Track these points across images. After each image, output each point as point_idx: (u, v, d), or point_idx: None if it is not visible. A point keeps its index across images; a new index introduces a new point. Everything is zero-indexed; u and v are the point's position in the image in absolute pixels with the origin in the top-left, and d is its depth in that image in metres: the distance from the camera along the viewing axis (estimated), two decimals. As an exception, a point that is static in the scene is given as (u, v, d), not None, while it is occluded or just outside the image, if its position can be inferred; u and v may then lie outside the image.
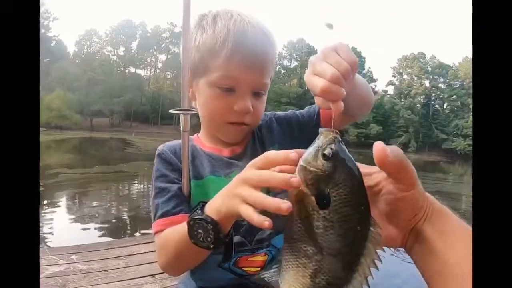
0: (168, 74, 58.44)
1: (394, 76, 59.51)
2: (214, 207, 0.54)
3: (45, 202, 6.29)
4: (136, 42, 56.82)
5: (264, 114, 0.83)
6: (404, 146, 45.89)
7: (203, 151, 0.80)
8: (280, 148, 0.46)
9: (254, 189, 0.46)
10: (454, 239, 0.42)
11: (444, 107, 55.76)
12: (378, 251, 0.40)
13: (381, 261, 0.40)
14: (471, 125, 0.46)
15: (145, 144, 24.07)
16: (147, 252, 2.74)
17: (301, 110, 0.86)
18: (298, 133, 0.82)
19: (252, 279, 0.75)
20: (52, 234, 4.68)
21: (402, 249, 0.47)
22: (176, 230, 0.63)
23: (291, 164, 0.43)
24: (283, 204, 0.40)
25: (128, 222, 5.87)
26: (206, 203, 0.57)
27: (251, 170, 0.47)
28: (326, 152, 0.40)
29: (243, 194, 0.47)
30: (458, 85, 53.24)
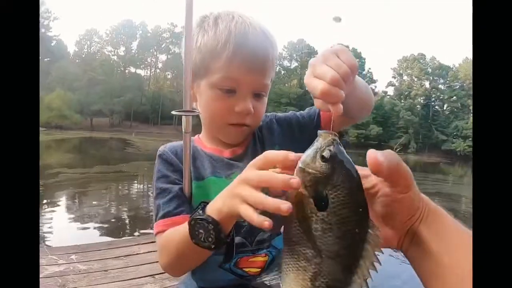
0: (168, 74, 58.50)
1: (394, 77, 59.63)
2: (215, 207, 0.54)
3: (45, 201, 6.30)
4: (137, 42, 56.81)
5: (265, 115, 0.84)
6: (404, 147, 45.92)
7: (204, 152, 0.80)
8: (281, 149, 0.46)
9: (254, 189, 0.46)
10: (450, 240, 0.42)
11: (444, 108, 55.77)
12: (376, 253, 0.40)
13: (380, 263, 0.39)
14: (471, 127, 0.46)
15: (145, 144, 24.06)
16: (147, 252, 2.73)
17: (301, 112, 0.86)
18: (298, 134, 0.82)
19: (253, 283, 0.75)
20: (52, 233, 4.68)
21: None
22: (177, 231, 0.63)
23: (290, 164, 0.43)
24: (283, 205, 0.40)
25: (127, 222, 5.87)
26: (207, 203, 0.57)
27: (251, 170, 0.47)
28: (324, 154, 0.40)
29: (243, 194, 0.47)
30: (458, 86, 53.26)
